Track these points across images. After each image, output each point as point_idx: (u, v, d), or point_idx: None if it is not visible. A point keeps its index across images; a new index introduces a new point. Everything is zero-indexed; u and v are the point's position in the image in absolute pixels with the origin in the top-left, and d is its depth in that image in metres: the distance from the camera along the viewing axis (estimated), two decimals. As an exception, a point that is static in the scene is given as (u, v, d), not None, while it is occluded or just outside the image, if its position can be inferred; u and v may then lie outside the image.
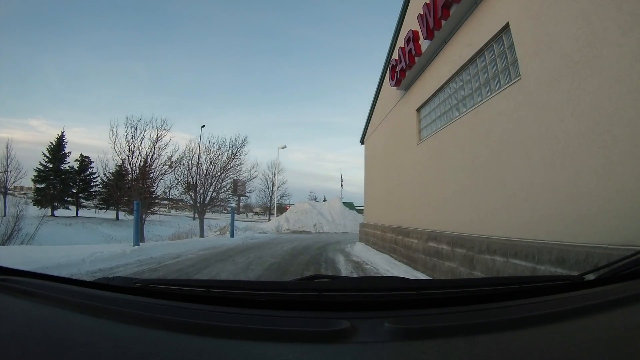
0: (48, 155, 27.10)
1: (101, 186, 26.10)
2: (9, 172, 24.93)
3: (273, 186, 34.10)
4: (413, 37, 6.65)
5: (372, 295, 0.85)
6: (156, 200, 20.65)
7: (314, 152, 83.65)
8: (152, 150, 15.90)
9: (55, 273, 2.15)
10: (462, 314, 0.75)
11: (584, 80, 2.87)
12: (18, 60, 49.53)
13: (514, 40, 3.93)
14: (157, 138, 15.91)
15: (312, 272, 5.66)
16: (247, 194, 28.57)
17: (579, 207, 2.87)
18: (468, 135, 4.99)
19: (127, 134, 15.64)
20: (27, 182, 27.54)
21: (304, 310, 0.77)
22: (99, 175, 25.47)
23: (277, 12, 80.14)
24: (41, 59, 54.33)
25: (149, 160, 15.93)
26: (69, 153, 28.27)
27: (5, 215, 16.41)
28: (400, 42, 7.47)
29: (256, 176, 22.45)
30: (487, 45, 4.55)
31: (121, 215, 24.97)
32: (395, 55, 7.93)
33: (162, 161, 16.19)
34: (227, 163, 17.49)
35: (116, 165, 17.85)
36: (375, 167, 11.36)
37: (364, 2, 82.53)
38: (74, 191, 28.58)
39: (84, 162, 28.49)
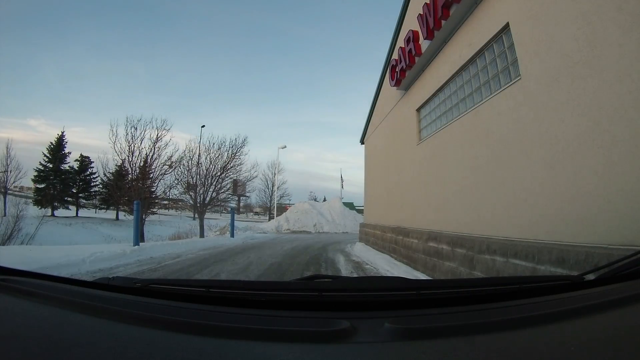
0: (48, 155, 27.09)
1: (101, 186, 26.09)
2: (9, 172, 24.97)
3: (273, 186, 34.11)
4: (413, 37, 6.65)
5: (372, 295, 0.85)
6: (156, 200, 20.66)
7: (313, 152, 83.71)
8: (152, 150, 15.93)
9: (55, 273, 2.15)
10: (462, 314, 0.75)
11: (584, 80, 2.86)
12: (16, 60, 49.54)
13: (514, 40, 3.93)
14: (157, 138, 15.93)
15: (312, 272, 5.65)
16: (247, 194, 28.59)
17: (579, 207, 2.87)
18: (468, 135, 4.99)
19: (127, 134, 15.67)
20: (27, 182, 27.59)
21: (304, 310, 0.77)
22: (99, 175, 25.49)
23: (276, 12, 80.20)
24: (40, 59, 54.44)
25: (149, 160, 15.95)
26: (69, 153, 28.29)
27: (5, 215, 16.42)
28: (400, 42, 7.47)
29: (256, 176, 22.49)
30: (487, 45, 4.55)
31: (121, 215, 24.96)
32: (395, 55, 7.93)
33: (162, 161, 16.22)
34: (227, 163, 17.51)
35: (116, 165, 17.88)
36: (375, 167, 11.36)
37: (364, 2, 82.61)
38: (74, 191, 28.57)
39: (84, 162, 28.49)
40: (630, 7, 2.46)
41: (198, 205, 16.80)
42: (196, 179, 16.83)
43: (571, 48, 3.00)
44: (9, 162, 24.95)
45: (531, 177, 3.52)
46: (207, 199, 16.89)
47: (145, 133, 15.81)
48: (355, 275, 5.90)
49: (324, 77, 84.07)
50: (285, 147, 27.35)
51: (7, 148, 25.02)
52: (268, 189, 36.62)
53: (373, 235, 10.43)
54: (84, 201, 29.57)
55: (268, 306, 0.78)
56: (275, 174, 33.05)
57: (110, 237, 17.53)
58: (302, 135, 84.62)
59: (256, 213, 45.33)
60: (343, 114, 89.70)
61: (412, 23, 6.72)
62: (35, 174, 26.62)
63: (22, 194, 28.93)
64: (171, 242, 11.09)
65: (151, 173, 16.29)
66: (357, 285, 1.00)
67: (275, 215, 27.01)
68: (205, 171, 16.88)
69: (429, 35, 5.84)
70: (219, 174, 17.17)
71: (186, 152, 17.01)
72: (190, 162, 16.93)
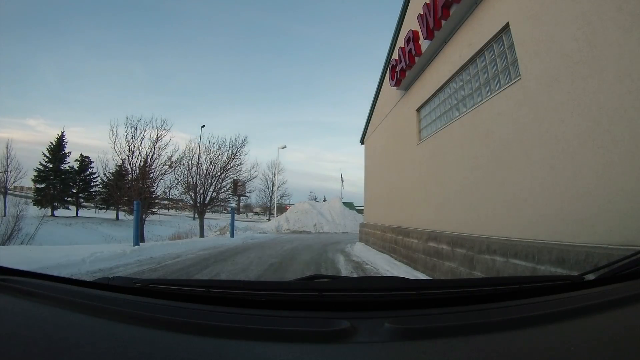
0: (48, 155, 27.11)
1: (101, 186, 26.10)
2: (9, 172, 24.98)
3: (273, 186, 34.16)
4: (413, 37, 6.65)
5: (372, 295, 0.85)
6: (156, 200, 20.65)
7: (313, 151, 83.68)
8: (152, 150, 15.91)
9: (55, 273, 2.15)
10: (462, 314, 0.75)
11: (584, 80, 2.86)
12: (15, 59, 49.45)
13: (514, 40, 3.93)
14: (157, 138, 15.92)
15: (312, 272, 5.65)
16: (247, 194, 28.58)
17: (579, 207, 2.87)
18: (468, 135, 4.99)
19: (127, 134, 15.64)
20: (27, 182, 27.61)
21: (304, 310, 0.77)
22: (98, 175, 25.49)
23: (276, 11, 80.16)
24: (38, 58, 54.36)
25: (149, 160, 15.93)
26: (69, 153, 28.33)
27: (5, 215, 16.42)
28: (400, 42, 7.47)
29: (256, 176, 22.45)
30: (487, 45, 4.55)
31: (121, 215, 24.96)
32: (395, 55, 7.93)
33: (162, 161, 16.20)
34: (227, 163, 17.49)
35: (116, 165, 17.86)
36: (375, 167, 11.36)
37: (364, 1, 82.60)
38: (74, 191, 28.59)
39: (84, 162, 28.51)
40: (630, 7, 2.46)
41: (198, 205, 16.80)
42: (196, 179, 16.83)
43: (571, 48, 3.00)
44: (9, 162, 24.98)
45: (531, 177, 3.52)
46: (207, 199, 16.89)
47: (145, 133, 15.80)
48: (355, 275, 5.90)
49: (324, 77, 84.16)
50: (285, 147, 27.38)
51: (7, 148, 25.06)
52: (268, 189, 36.72)
53: (373, 235, 10.43)
54: (83, 201, 29.58)
55: (268, 306, 0.78)
56: (275, 174, 33.12)
57: (110, 237, 17.53)
58: (302, 135, 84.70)
59: (256, 213, 45.36)
60: (343, 113, 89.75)
61: (412, 23, 6.72)
62: (35, 174, 26.64)
63: (22, 194, 28.93)
64: (171, 242, 11.09)
65: (151, 173, 16.27)
66: (357, 285, 1.00)
67: (275, 215, 27.02)
68: (205, 171, 16.88)
69: (429, 35, 5.84)
70: (219, 174, 17.17)
71: (186, 152, 17.02)
72: (190, 162, 16.94)
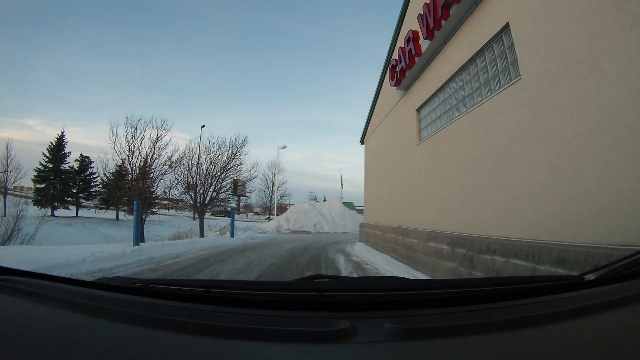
0: (48, 155, 27.11)
1: (101, 186, 26.10)
2: (9, 172, 24.98)
3: (273, 186, 34.16)
4: (413, 37, 6.65)
5: (372, 295, 0.85)
6: (156, 200, 20.65)
7: (313, 151, 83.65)
8: (152, 150, 15.91)
9: (55, 273, 2.15)
10: (462, 314, 0.75)
11: (584, 80, 2.86)
12: (13, 59, 49.36)
13: (514, 40, 3.93)
14: (157, 138, 15.92)
15: (312, 272, 5.66)
16: (247, 194, 28.59)
17: (579, 207, 2.87)
18: (468, 135, 4.99)
19: (127, 134, 15.66)
20: (27, 182, 27.61)
21: (304, 310, 0.77)
22: (98, 175, 25.48)
23: (275, 10, 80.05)
24: (37, 58, 54.18)
25: (149, 160, 15.94)
26: (69, 153, 28.33)
27: (5, 215, 16.43)
28: (400, 42, 7.47)
29: (256, 176, 22.47)
30: (487, 45, 4.55)
31: (121, 215, 24.95)
32: (395, 55, 7.93)
33: (162, 161, 16.21)
34: (227, 163, 17.51)
35: (116, 165, 17.87)
36: (375, 167, 11.36)
37: (364, 1, 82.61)
38: (74, 191, 28.59)
39: (84, 162, 28.51)
40: (630, 7, 2.46)
41: (198, 205, 16.80)
42: (196, 179, 16.84)
43: (571, 48, 3.00)
44: (9, 162, 24.99)
45: (531, 177, 3.52)
46: (207, 199, 16.89)
47: (145, 133, 15.82)
48: (355, 275, 5.90)
49: (324, 76, 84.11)
50: (285, 147, 27.36)
51: (7, 148, 25.06)
52: (268, 189, 36.71)
53: (373, 235, 10.43)
54: (84, 201, 29.59)
55: (268, 306, 0.78)
56: (275, 174, 33.12)
57: (110, 237, 17.52)
58: (302, 135, 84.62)
59: (256, 213, 45.36)
60: (343, 113, 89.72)
61: (412, 23, 6.72)
62: (35, 174, 26.65)
63: (22, 194, 28.94)
64: (171, 242, 11.09)
65: (151, 173, 16.28)
66: (357, 285, 1.00)
67: (275, 215, 27.02)
68: (205, 171, 16.89)
69: (429, 35, 5.84)
70: (219, 174, 17.18)
71: (186, 152, 17.03)
72: (190, 162, 16.95)
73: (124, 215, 22.90)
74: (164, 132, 16.04)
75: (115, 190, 16.61)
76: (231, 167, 17.80)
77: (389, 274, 5.78)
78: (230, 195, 19.71)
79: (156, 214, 25.60)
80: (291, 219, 23.11)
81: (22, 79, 52.97)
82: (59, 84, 59.30)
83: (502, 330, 0.66)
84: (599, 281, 0.97)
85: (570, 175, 3.00)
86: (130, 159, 15.65)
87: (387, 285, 0.97)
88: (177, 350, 0.58)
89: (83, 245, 9.65)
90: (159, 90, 67.65)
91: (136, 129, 15.65)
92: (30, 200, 24.73)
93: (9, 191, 24.92)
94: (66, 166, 28.05)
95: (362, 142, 13.26)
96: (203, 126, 29.61)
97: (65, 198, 27.85)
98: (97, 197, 29.21)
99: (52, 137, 28.13)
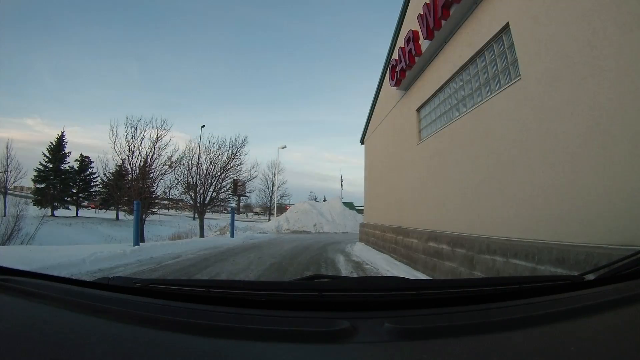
0: (48, 155, 27.12)
1: (101, 186, 26.10)
2: (9, 172, 24.98)
3: (273, 186, 34.15)
4: (413, 37, 6.65)
5: (372, 295, 0.85)
6: (156, 200, 20.65)
7: (313, 151, 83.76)
8: (152, 150, 15.91)
9: (55, 273, 2.15)
10: (462, 314, 0.75)
11: (584, 80, 2.86)
12: (11, 58, 49.22)
13: (514, 40, 3.93)
14: (157, 138, 15.93)
15: (312, 272, 5.66)
16: (247, 194, 28.58)
17: (579, 206, 2.87)
18: (468, 135, 4.99)
19: (127, 134, 15.66)
20: (27, 182, 27.62)
21: (304, 310, 0.77)
22: (98, 175, 25.49)
23: (275, 9, 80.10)
24: (35, 57, 54.19)
25: (149, 160, 15.94)
26: (69, 153, 28.36)
27: (5, 215, 16.43)
28: (400, 42, 7.47)
29: (256, 176, 22.47)
30: (487, 45, 4.55)
31: (121, 215, 24.97)
32: (395, 55, 7.93)
33: (162, 161, 16.21)
34: (227, 163, 17.51)
35: (116, 165, 17.86)
36: (375, 167, 11.36)
37: (364, 1, 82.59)
38: (74, 191, 28.59)
39: (84, 162, 28.52)
40: (630, 7, 2.46)
41: (198, 205, 16.80)
42: (196, 179, 16.84)
43: (571, 48, 3.00)
44: (9, 162, 24.99)
45: (531, 177, 3.52)
46: (207, 199, 16.89)
47: (145, 133, 15.82)
48: (355, 275, 5.89)
49: (324, 76, 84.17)
50: (285, 147, 27.34)
51: (7, 148, 25.06)
52: (268, 189, 36.71)
53: (373, 235, 10.43)
54: (84, 201, 29.58)
55: (268, 306, 0.78)
56: (275, 174, 33.11)
57: (110, 237, 17.53)
58: (302, 135, 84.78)
59: (256, 213, 45.37)
60: (343, 113, 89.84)
61: (412, 23, 6.72)
62: (35, 174, 26.65)
63: (22, 194, 28.95)
64: (171, 242, 11.09)
65: (151, 173, 16.28)
66: (357, 285, 1.00)
67: (275, 215, 27.02)
68: (205, 171, 16.90)
69: (429, 35, 5.84)
70: (219, 174, 17.18)
71: (186, 152, 17.04)
72: (190, 162, 16.96)
73: (124, 215, 22.91)
74: (164, 132, 16.06)
75: (115, 190, 16.61)
76: (231, 167, 17.82)
77: (389, 274, 5.78)
78: (230, 195, 19.71)
79: (156, 214, 25.60)
80: (291, 219, 23.11)
81: (21, 78, 53.01)
82: (58, 84, 59.45)
83: (502, 330, 0.66)
84: (599, 281, 0.97)
85: (570, 175, 3.00)
86: (130, 159, 15.67)
87: (387, 285, 0.97)
88: (177, 350, 0.58)
89: (83, 245, 9.66)
90: (158, 90, 67.75)
91: (136, 129, 15.67)
92: (30, 200, 24.73)
93: (9, 191, 24.91)
94: (66, 166, 28.07)
95: (362, 142, 13.26)
96: (203, 126, 29.71)
97: (65, 198, 27.85)
98: (97, 197, 29.20)
99: (52, 137, 28.20)
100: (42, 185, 26.91)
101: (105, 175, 20.14)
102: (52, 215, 24.97)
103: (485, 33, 4.51)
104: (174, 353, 0.57)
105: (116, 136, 15.41)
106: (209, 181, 16.86)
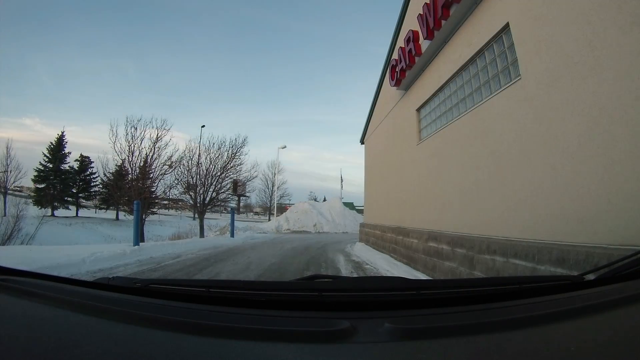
0: (48, 155, 27.11)
1: (101, 186, 26.10)
2: (9, 172, 24.98)
3: (273, 186, 34.15)
4: (413, 37, 6.65)
5: (372, 295, 0.85)
6: (156, 200, 20.65)
7: (313, 151, 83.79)
8: (152, 150, 15.92)
9: (55, 273, 2.15)
10: (462, 314, 0.75)
11: (584, 80, 2.86)
12: (9, 58, 49.06)
13: (514, 40, 3.93)
14: (157, 138, 15.93)
15: (312, 272, 5.65)
16: (247, 194, 28.57)
17: (579, 207, 2.87)
18: (468, 135, 4.99)
19: (127, 134, 15.67)
20: (27, 182, 27.61)
21: (304, 310, 0.77)
22: (98, 175, 25.49)
23: (275, 8, 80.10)
24: (34, 57, 54.07)
25: (149, 160, 15.94)
26: (69, 153, 28.35)
27: (5, 215, 16.44)
28: (400, 42, 7.47)
29: (256, 176, 22.46)
30: (487, 45, 4.55)
31: (121, 215, 24.97)
32: (395, 55, 7.93)
33: (162, 161, 16.22)
34: (227, 163, 17.52)
35: (116, 165, 17.87)
36: (375, 167, 11.36)
37: (364, 1, 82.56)
38: (74, 191, 28.59)
39: (84, 162, 28.52)
40: (630, 7, 2.46)
41: (198, 205, 16.81)
42: (196, 179, 16.85)
43: (571, 48, 3.00)
44: (9, 162, 24.98)
45: (531, 177, 3.52)
46: (207, 199, 16.89)
47: (145, 133, 15.84)
48: (355, 275, 5.90)
49: (324, 76, 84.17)
50: (285, 147, 27.32)
51: (7, 148, 25.06)
52: (268, 189, 36.73)
53: (373, 235, 10.43)
54: (84, 201, 29.57)
55: (268, 306, 0.78)
56: (275, 174, 33.12)
57: (110, 237, 17.55)
58: (302, 135, 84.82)
59: (256, 213, 45.38)
60: (343, 113, 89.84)
61: (412, 23, 6.72)
62: (35, 174, 26.65)
63: (22, 194, 28.95)
64: (171, 242, 11.09)
65: (151, 173, 16.29)
66: (357, 285, 1.00)
67: (275, 215, 27.02)
68: (205, 171, 16.90)
69: (429, 35, 5.84)
70: (219, 174, 17.19)
71: (186, 152, 17.05)
72: (190, 162, 16.96)
73: (124, 215, 22.92)
74: (163, 132, 16.08)
75: (115, 190, 16.61)
76: (231, 167, 17.83)
77: (389, 274, 5.78)
78: (230, 195, 19.71)
79: (156, 214, 25.62)
80: (291, 219, 23.12)
81: (19, 78, 52.89)
82: (57, 84, 59.43)
83: (502, 330, 0.66)
84: (599, 281, 0.97)
85: (570, 175, 3.00)
86: (130, 159, 15.68)
87: (387, 285, 0.97)
88: (177, 350, 0.58)
89: (83, 245, 9.66)
90: (158, 90, 67.84)
91: (136, 129, 15.69)
92: (30, 200, 24.73)
93: (9, 191, 24.91)
94: (66, 166, 28.06)
95: (362, 142, 13.25)
96: (203, 126, 29.75)
97: (65, 198, 27.85)
98: (97, 197, 29.20)
99: (51, 137, 28.29)
100: (42, 185, 26.90)
101: (105, 175, 20.18)
102: (52, 215, 24.96)
103: (485, 33, 4.51)
104: (174, 353, 0.57)
105: (116, 136, 15.44)
106: (209, 181, 16.87)
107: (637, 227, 2.34)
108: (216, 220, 24.31)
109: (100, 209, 29.48)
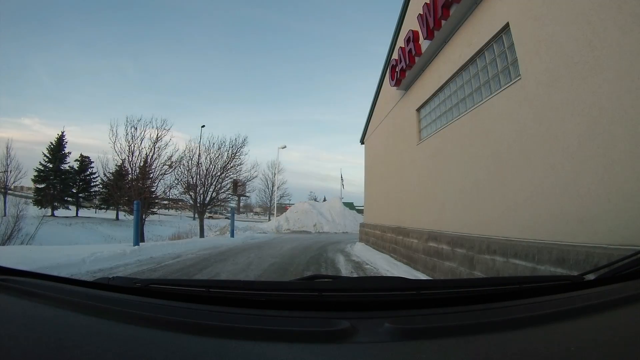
0: (48, 155, 27.11)
1: (101, 186, 26.10)
2: (9, 172, 24.98)
3: (273, 186, 34.15)
4: (413, 37, 6.65)
5: (372, 295, 0.85)
6: (156, 200, 20.66)
7: (313, 151, 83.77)
8: (152, 150, 15.93)
9: (55, 273, 2.15)
10: (462, 314, 0.75)
11: (584, 80, 2.86)
12: (9, 58, 49.03)
13: (514, 40, 3.93)
14: (157, 138, 15.94)
15: (312, 272, 5.65)
16: (247, 194, 28.58)
17: (579, 207, 2.87)
18: (468, 135, 4.99)
19: (127, 134, 15.69)
20: (27, 182, 27.61)
21: (304, 310, 0.77)
22: (98, 175, 25.49)
23: (274, 8, 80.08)
24: (32, 57, 54.06)
25: (149, 160, 15.95)
26: (69, 153, 28.35)
27: (5, 215, 16.44)
28: (401, 42, 7.47)
29: (256, 176, 22.48)
30: (487, 45, 4.55)
31: (121, 215, 24.98)
32: (395, 55, 7.93)
33: (162, 161, 16.23)
34: (227, 163, 17.54)
35: (116, 165, 17.88)
36: (375, 167, 11.36)
37: (365, 1, 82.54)
38: (74, 191, 28.59)
39: (84, 162, 28.52)
40: (630, 7, 2.46)
41: (198, 205, 16.81)
42: (196, 179, 16.86)
43: (571, 48, 3.00)
44: (9, 162, 24.98)
45: (531, 177, 3.52)
46: (207, 199, 16.90)
47: (145, 133, 15.86)
48: (355, 275, 5.90)
49: (324, 75, 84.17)
50: (285, 147, 27.33)
51: (7, 148, 25.06)
52: (268, 189, 36.73)
53: (373, 235, 10.43)
54: (84, 201, 29.57)
55: (268, 306, 0.78)
56: (275, 174, 33.12)
57: (110, 237, 17.56)
58: (302, 135, 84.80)
59: (256, 213, 45.38)
60: (343, 113, 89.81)
61: (412, 23, 6.72)
62: (35, 174, 26.65)
63: (22, 194, 28.95)
64: (171, 242, 11.09)
65: (151, 173, 16.30)
66: (357, 285, 1.00)
67: (275, 215, 27.02)
68: (205, 171, 16.91)
69: (429, 35, 5.84)
70: (219, 174, 17.20)
71: (186, 152, 17.06)
72: (190, 162, 16.97)
73: (124, 215, 22.93)
74: (163, 132, 16.11)
75: (115, 190, 16.62)
76: (231, 167, 17.86)
77: (389, 274, 5.78)
78: (230, 195, 19.72)
79: (156, 214, 25.61)
80: (291, 219, 23.12)
81: (19, 78, 52.94)
82: (56, 84, 59.40)
83: (502, 330, 0.66)
84: (599, 281, 0.97)
85: (570, 175, 3.00)
86: (130, 159, 15.70)
87: (387, 285, 0.97)
88: (177, 350, 0.58)
89: (83, 245, 9.67)
90: (158, 90, 67.76)
91: (136, 129, 15.71)
92: (30, 200, 24.75)
93: (9, 191, 24.91)
94: (66, 166, 28.06)
95: (362, 142, 13.26)
96: (203, 126, 29.76)
97: (65, 198, 27.85)
98: (97, 197, 29.20)
99: (50, 137, 28.34)
100: (42, 185, 26.90)
101: (105, 175, 20.19)
102: (52, 215, 24.96)
103: (485, 33, 4.51)
104: (174, 353, 0.57)
105: (116, 136, 15.47)
106: (209, 181, 16.88)
107: (637, 227, 2.34)
108: (216, 220, 24.33)
109: (100, 209, 29.47)
